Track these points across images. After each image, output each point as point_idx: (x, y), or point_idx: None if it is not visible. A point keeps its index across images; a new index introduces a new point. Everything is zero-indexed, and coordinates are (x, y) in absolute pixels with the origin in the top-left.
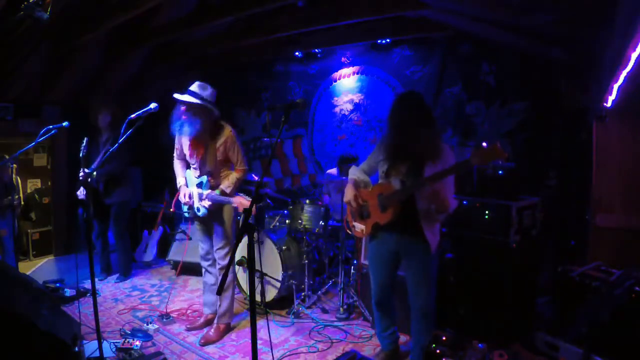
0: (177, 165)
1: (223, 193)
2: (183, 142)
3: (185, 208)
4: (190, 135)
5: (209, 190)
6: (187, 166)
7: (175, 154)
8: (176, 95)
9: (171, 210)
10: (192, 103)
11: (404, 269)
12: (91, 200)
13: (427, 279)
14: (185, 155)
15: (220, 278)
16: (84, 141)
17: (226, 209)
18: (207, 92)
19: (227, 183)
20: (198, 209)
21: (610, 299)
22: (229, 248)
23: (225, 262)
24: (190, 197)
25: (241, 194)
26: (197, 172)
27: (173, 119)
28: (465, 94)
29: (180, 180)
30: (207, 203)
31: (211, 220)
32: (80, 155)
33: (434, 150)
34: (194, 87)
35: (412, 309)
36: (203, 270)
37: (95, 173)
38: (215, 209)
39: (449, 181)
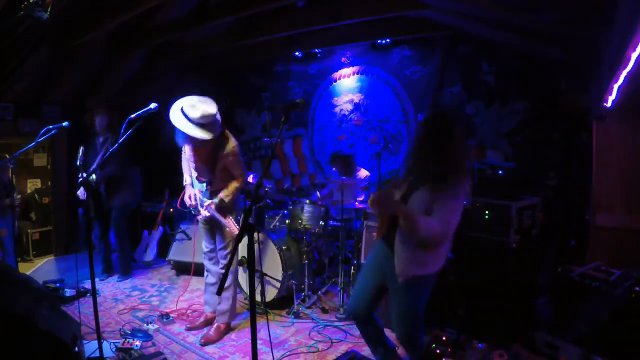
0: (185, 164)
1: (221, 202)
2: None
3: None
4: (200, 143)
5: (209, 201)
6: None
7: (183, 155)
8: (183, 129)
9: (171, 209)
10: (199, 139)
11: None
12: (92, 201)
13: (397, 313)
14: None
15: (221, 277)
16: (80, 150)
17: (229, 210)
18: (212, 115)
19: (226, 192)
20: (199, 213)
21: (610, 299)
22: (230, 248)
23: (226, 261)
24: (195, 199)
25: (231, 219)
26: (196, 175)
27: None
28: (465, 94)
29: (186, 178)
30: (206, 213)
31: (214, 221)
32: (77, 163)
33: (437, 179)
34: (197, 114)
35: None
36: (205, 269)
37: (94, 176)
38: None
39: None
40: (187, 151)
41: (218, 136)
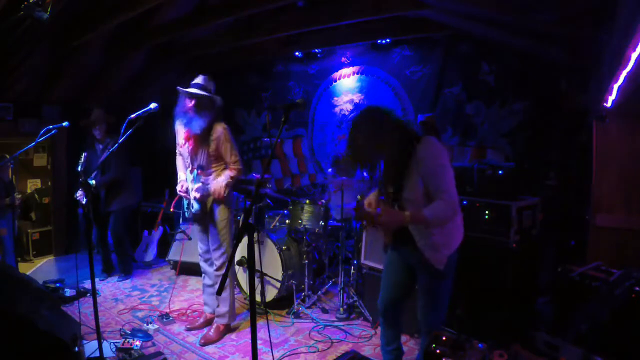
0: (179, 161)
1: (217, 182)
2: (178, 132)
3: (185, 205)
4: (196, 130)
5: (199, 184)
6: None
7: (177, 150)
8: (186, 89)
9: (171, 210)
10: (202, 95)
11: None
12: (90, 203)
13: (430, 301)
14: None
15: (216, 279)
16: (83, 156)
17: (220, 209)
18: (212, 84)
19: (222, 178)
20: (192, 205)
21: (610, 299)
22: (224, 249)
23: (220, 262)
24: (187, 190)
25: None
26: (188, 163)
27: (177, 112)
28: (465, 94)
29: (180, 175)
30: (196, 194)
31: (207, 220)
32: (79, 169)
33: (402, 160)
34: (200, 79)
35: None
36: (202, 270)
37: (94, 182)
38: (209, 207)
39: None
40: (178, 135)
41: (209, 122)
